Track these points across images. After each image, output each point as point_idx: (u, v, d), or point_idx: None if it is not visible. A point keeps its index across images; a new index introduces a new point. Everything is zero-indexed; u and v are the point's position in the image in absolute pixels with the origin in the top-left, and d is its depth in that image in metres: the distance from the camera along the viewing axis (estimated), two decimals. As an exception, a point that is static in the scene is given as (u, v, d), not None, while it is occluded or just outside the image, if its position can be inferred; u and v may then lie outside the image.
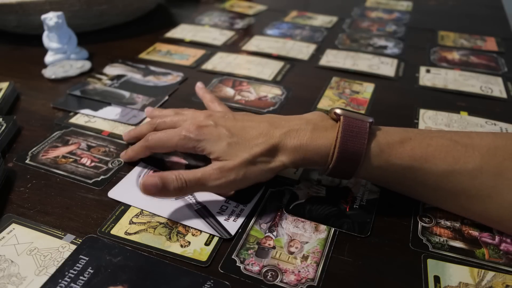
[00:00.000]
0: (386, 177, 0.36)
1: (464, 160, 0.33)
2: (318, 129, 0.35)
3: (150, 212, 0.37)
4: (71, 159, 0.43)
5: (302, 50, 0.68)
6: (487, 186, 0.32)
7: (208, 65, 0.63)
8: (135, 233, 0.35)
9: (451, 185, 0.33)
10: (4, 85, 0.54)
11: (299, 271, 0.31)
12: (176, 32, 0.75)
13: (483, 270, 0.32)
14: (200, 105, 0.53)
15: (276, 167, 0.36)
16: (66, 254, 0.32)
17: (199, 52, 0.67)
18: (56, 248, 0.33)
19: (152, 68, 0.62)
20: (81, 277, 0.31)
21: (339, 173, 0.36)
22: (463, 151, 0.33)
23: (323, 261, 0.32)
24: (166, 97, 0.54)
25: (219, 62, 0.64)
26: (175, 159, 0.43)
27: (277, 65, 0.63)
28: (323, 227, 0.35)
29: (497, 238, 0.34)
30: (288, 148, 0.35)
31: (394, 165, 0.34)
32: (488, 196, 0.32)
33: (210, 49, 0.68)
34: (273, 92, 0.56)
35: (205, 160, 0.43)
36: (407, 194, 0.37)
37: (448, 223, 0.36)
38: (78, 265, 0.31)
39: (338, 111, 0.35)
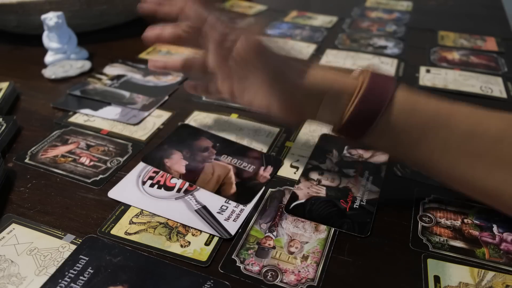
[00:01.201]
0: (406, 132, 0.34)
1: (487, 124, 0.33)
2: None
3: (150, 212, 0.37)
4: (70, 158, 0.43)
5: (302, 50, 0.68)
6: (508, 153, 0.32)
7: (208, 65, 0.63)
8: (135, 233, 0.35)
9: (472, 148, 0.32)
10: (4, 85, 0.54)
11: (299, 271, 0.31)
12: (176, 32, 0.75)
13: (483, 270, 0.32)
14: (200, 105, 0.53)
15: (305, 72, 0.35)
16: (66, 254, 0.32)
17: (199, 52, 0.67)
18: (56, 248, 0.33)
19: (152, 68, 0.62)
20: (81, 277, 0.31)
21: (359, 118, 0.34)
22: (485, 116, 0.33)
23: (323, 261, 0.32)
24: (166, 97, 0.54)
25: (219, 62, 0.64)
26: (175, 159, 0.43)
27: (277, 65, 0.63)
28: (323, 227, 0.35)
29: (497, 238, 0.34)
30: (319, 70, 0.36)
31: (419, 114, 0.33)
32: (509, 164, 0.32)
33: (210, 49, 0.68)
34: (273, 92, 0.56)
35: (205, 160, 0.43)
36: (419, 163, 0.35)
37: (448, 223, 0.36)
38: (78, 265, 0.31)
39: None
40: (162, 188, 0.39)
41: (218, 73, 0.38)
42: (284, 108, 0.36)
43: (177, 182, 0.40)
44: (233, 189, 0.39)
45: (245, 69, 0.37)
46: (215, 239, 0.34)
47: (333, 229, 0.35)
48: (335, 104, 0.35)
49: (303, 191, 0.39)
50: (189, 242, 0.34)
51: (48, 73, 0.59)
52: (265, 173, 0.41)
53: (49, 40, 0.62)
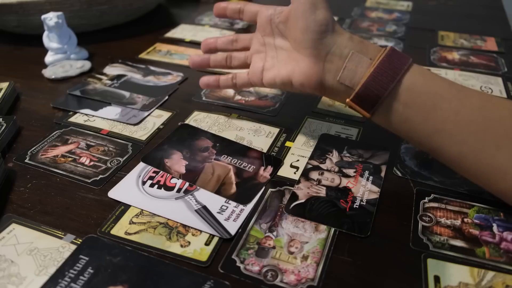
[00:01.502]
0: (422, 97, 0.35)
1: (496, 102, 0.35)
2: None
3: (150, 212, 0.37)
4: (70, 158, 0.43)
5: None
6: None
7: (208, 65, 0.63)
8: (135, 233, 0.35)
9: (482, 121, 0.33)
10: (4, 85, 0.54)
11: (299, 271, 0.31)
12: (176, 32, 0.75)
13: (483, 270, 0.32)
14: (200, 105, 0.53)
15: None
16: (66, 254, 0.32)
17: (199, 52, 0.67)
18: (56, 248, 0.33)
19: (152, 68, 0.62)
20: (81, 277, 0.31)
21: (379, 77, 0.36)
22: (493, 96, 0.36)
23: (323, 261, 0.32)
24: (166, 97, 0.54)
25: (219, 62, 0.64)
26: (175, 159, 0.43)
27: (277, 65, 0.63)
28: (323, 227, 0.35)
29: (497, 237, 0.34)
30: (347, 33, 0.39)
31: (434, 83, 0.35)
32: None
33: (210, 49, 0.68)
34: (273, 92, 0.56)
35: (205, 160, 0.43)
36: (431, 135, 0.35)
37: (449, 222, 0.36)
38: (78, 265, 0.31)
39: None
40: (162, 188, 0.39)
41: (255, 56, 0.45)
42: (307, 72, 0.39)
43: (177, 182, 0.40)
44: (233, 189, 0.39)
45: (283, 39, 0.42)
46: (215, 239, 0.34)
47: (333, 229, 0.35)
48: (358, 63, 0.37)
49: (303, 191, 0.39)
50: (189, 242, 0.34)
51: (48, 73, 0.59)
52: (265, 173, 0.41)
53: (49, 40, 0.62)
